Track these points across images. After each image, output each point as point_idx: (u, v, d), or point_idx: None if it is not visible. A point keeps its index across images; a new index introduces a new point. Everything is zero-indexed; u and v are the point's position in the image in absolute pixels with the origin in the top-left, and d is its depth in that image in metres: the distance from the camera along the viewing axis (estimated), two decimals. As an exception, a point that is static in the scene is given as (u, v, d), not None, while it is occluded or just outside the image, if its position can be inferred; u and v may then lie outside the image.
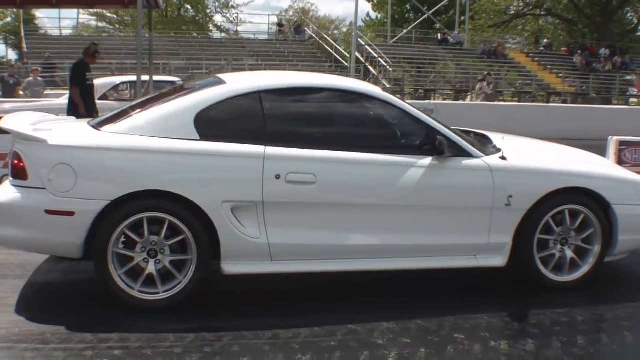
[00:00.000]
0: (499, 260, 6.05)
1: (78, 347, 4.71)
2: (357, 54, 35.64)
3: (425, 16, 52.66)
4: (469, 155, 5.97)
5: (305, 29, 46.73)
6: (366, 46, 40.30)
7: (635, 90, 38.56)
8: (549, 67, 43.12)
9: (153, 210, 5.33)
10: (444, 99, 34.83)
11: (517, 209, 5.96)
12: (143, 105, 6.03)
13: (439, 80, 38.36)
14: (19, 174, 5.32)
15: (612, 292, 6.41)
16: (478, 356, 4.81)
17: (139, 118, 5.71)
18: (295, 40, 44.35)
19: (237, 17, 59.39)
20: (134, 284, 5.37)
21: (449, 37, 46.56)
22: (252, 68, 30.87)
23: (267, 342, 4.89)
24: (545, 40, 49.65)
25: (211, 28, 62.68)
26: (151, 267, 5.38)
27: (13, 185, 5.37)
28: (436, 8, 53.05)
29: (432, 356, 4.78)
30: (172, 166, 5.39)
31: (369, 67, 38.27)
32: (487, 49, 43.88)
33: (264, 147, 5.51)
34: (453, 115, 14.96)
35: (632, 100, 38.53)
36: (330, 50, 40.91)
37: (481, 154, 6.03)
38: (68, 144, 5.37)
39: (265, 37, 46.91)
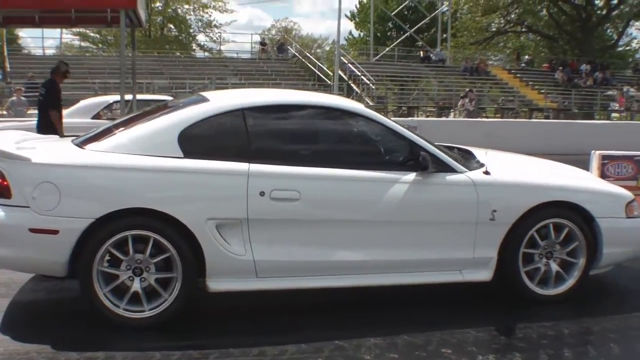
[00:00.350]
0: (484, 275, 6.06)
1: (63, 366, 4.68)
2: (340, 72, 35.82)
3: (407, 34, 53.08)
4: (452, 170, 5.99)
5: (288, 47, 46.91)
6: (349, 64, 40.44)
7: (617, 105, 38.88)
8: (530, 83, 43.56)
9: (138, 228, 5.31)
10: (427, 116, 34.97)
11: (502, 223, 5.98)
12: (127, 124, 6.01)
13: (422, 98, 38.60)
14: (2, 192, 5.26)
15: (598, 304, 6.43)
16: (465, 370, 4.81)
17: (123, 136, 5.69)
18: (278, 59, 44.46)
19: (220, 36, 59.60)
20: (119, 302, 5.34)
21: (431, 55, 46.88)
22: (236, 87, 30.87)
23: (254, 359, 4.88)
24: (527, 57, 50.26)
25: (194, 47, 62.77)
26: (136, 285, 5.35)
27: (-3, 205, 5.33)
28: (418, 26, 53.57)
29: (419, 371, 4.77)
30: (156, 184, 5.37)
31: (352, 85, 38.41)
32: (469, 65, 44.30)
33: (247, 164, 5.51)
34: (436, 132, 14.95)
35: (613, 115, 38.85)
36: (313, 69, 41.04)
37: (465, 169, 6.04)
38: (52, 162, 5.34)
39: (248, 56, 46.99)
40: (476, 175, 6.03)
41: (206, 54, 58.28)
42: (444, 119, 31.87)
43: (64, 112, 13.35)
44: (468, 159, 6.61)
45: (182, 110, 5.91)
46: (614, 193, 6.56)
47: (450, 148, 6.91)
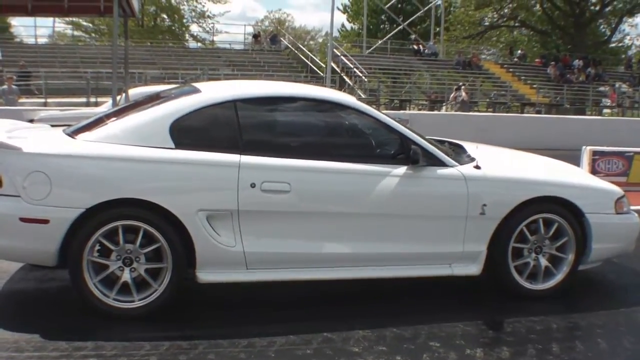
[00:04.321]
0: (473, 269, 6.09)
1: (52, 355, 4.68)
2: (332, 64, 35.82)
3: (401, 27, 53.03)
4: (443, 164, 6.00)
5: (281, 39, 46.82)
6: (342, 56, 40.44)
7: (609, 101, 38.99)
8: (523, 77, 43.71)
9: (128, 218, 5.30)
10: (419, 109, 35.00)
11: (492, 218, 6.00)
12: (119, 114, 6.02)
13: (414, 91, 38.68)
14: (-7, 182, 5.26)
15: (586, 300, 6.45)
16: (453, 364, 4.83)
17: (115, 126, 5.69)
18: (271, 51, 44.39)
19: (213, 27, 59.46)
20: (109, 292, 5.35)
21: (424, 48, 46.84)
22: (228, 78, 30.82)
23: (243, 350, 4.89)
24: (520, 52, 50.31)
25: (187, 38, 62.63)
26: (126, 276, 5.36)
27: (-14, 195, 5.31)
28: (411, 19, 53.59)
29: (407, 364, 4.79)
30: (148, 174, 5.36)
31: (345, 77, 38.41)
32: (461, 59, 44.43)
33: (239, 155, 5.51)
34: (428, 126, 14.99)
35: (605, 111, 38.93)
36: (306, 61, 41.01)
37: (455, 163, 6.06)
38: (43, 152, 5.32)
39: (241, 47, 46.91)
40: (467, 169, 6.05)
41: (199, 44, 58.24)
42: (436, 112, 31.91)
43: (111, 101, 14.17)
44: (459, 153, 6.62)
45: (174, 101, 5.90)
46: (603, 189, 6.59)
47: (441, 142, 6.91)
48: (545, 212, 6.17)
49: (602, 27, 59.99)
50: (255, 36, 47.66)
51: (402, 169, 5.86)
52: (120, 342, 4.92)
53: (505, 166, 6.58)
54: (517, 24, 58.29)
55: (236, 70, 36.38)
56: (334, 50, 38.62)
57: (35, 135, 5.86)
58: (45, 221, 5.20)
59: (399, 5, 58.39)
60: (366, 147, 6.19)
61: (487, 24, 58.06)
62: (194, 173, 5.44)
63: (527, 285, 6.22)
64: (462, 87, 30.68)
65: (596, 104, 39.80)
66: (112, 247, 5.33)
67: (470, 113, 28.14)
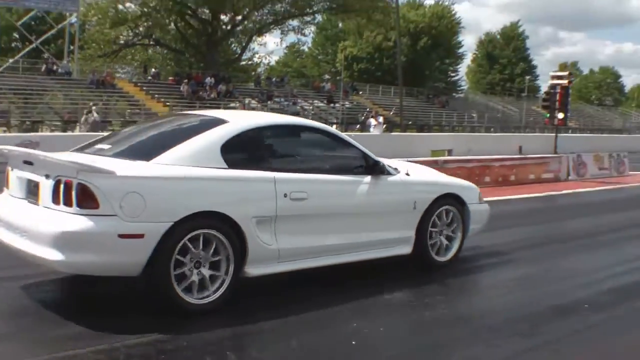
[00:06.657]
0: (407, 249, 8.29)
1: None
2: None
3: (33, 45, 51.92)
4: (390, 173, 8.10)
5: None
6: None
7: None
8: (156, 95, 45.38)
9: (205, 227, 6.39)
10: (52, 130, 35.17)
11: (419, 210, 8.28)
12: (164, 137, 7.25)
13: (48, 111, 38.69)
14: (88, 203, 5.93)
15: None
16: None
17: (180, 150, 6.64)
18: None
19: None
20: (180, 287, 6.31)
21: (58, 67, 46.72)
22: None
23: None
24: (154, 70, 51.61)
25: None
26: (194, 277, 6.38)
27: (81, 215, 5.95)
28: (44, 37, 52.55)
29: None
30: (216, 190, 6.58)
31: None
32: (95, 78, 44.78)
33: (273, 172, 6.99)
34: (60, 147, 14.77)
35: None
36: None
37: (397, 172, 8.22)
38: (135, 175, 6.21)
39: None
40: (403, 176, 8.24)
41: None
42: (69, 133, 32.37)
43: None
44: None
45: (217, 128, 7.06)
46: (471, 186, 9.27)
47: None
48: (448, 205, 8.64)
49: (233, 45, 63.73)
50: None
51: (368, 178, 7.85)
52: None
53: (419, 173, 8.96)
54: (152, 43, 59.58)
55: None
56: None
57: (108, 162, 6.47)
58: (141, 235, 6.07)
59: (33, 23, 57.07)
60: (348, 163, 7.94)
61: (122, 42, 58.61)
62: (246, 187, 6.80)
63: (437, 258, 8.61)
64: (93, 107, 31.47)
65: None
66: (194, 250, 6.33)
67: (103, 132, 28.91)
